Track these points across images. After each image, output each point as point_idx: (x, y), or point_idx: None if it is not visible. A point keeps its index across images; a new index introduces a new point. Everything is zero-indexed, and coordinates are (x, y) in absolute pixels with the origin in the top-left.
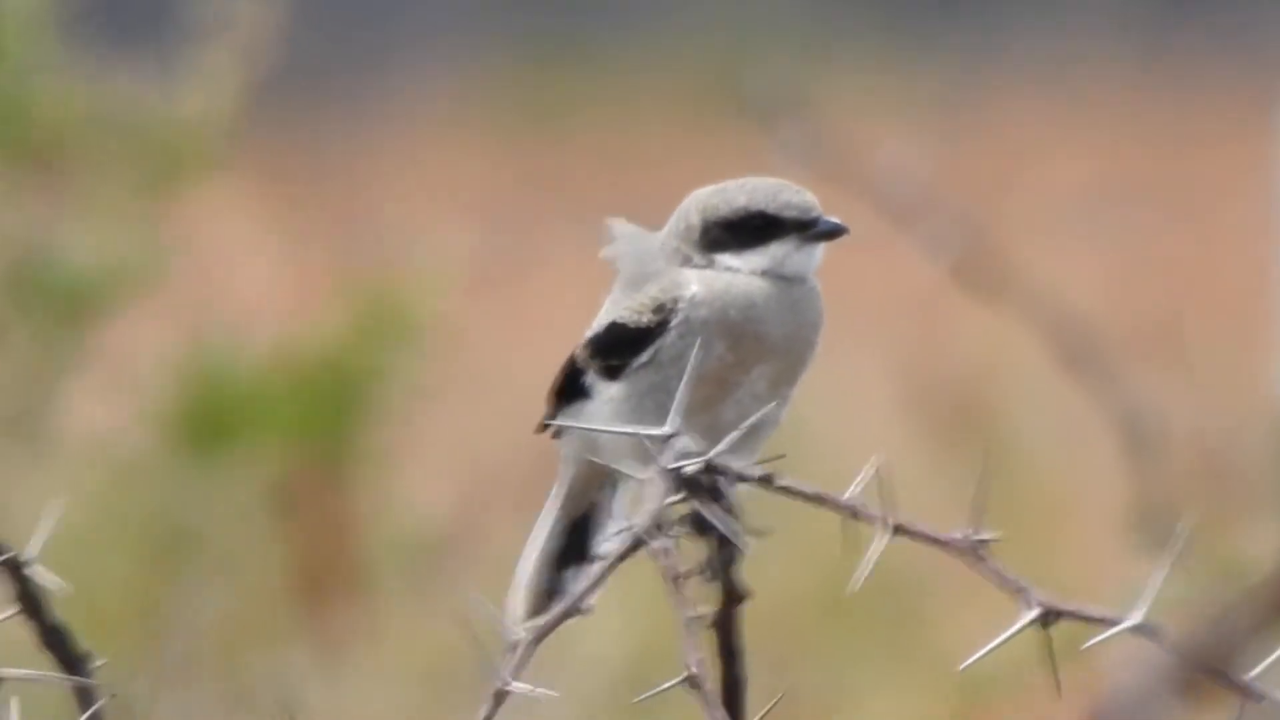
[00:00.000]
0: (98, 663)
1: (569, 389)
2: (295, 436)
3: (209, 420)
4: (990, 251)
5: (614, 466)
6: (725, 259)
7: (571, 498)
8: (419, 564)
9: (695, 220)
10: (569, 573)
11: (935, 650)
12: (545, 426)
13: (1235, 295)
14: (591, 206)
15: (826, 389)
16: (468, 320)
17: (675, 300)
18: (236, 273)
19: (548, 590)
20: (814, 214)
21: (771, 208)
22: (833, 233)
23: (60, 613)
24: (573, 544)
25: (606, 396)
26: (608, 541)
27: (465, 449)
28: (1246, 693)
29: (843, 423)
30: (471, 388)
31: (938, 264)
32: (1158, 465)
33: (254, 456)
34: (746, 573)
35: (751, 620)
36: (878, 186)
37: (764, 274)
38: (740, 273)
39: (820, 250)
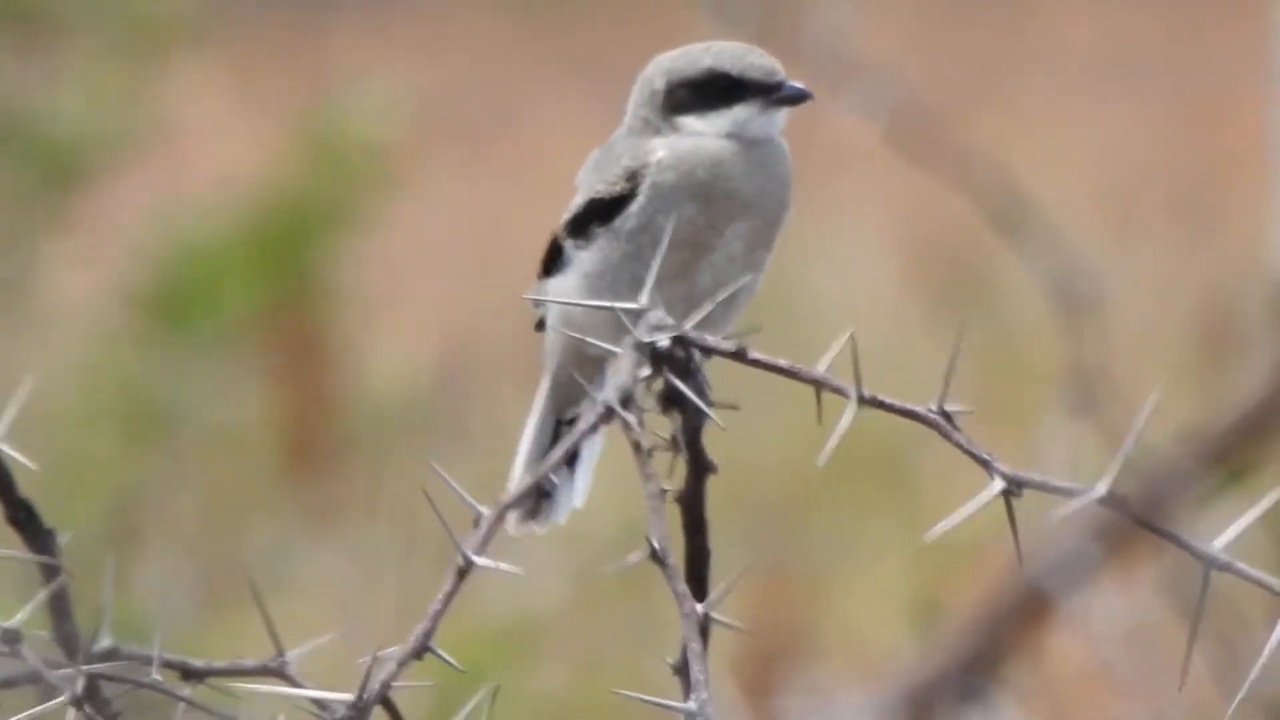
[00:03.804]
0: (63, 539)
1: (553, 267)
2: (259, 289)
3: (180, 290)
4: (923, 114)
5: (591, 340)
6: (688, 121)
7: (558, 390)
8: (401, 427)
9: (659, 84)
10: (562, 474)
11: (927, 519)
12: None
13: (1242, 163)
14: (599, 75)
15: (832, 261)
16: (465, 181)
17: (644, 166)
18: (217, 145)
19: (538, 493)
20: (778, 78)
21: (736, 70)
22: (796, 98)
23: (38, 485)
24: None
25: (582, 271)
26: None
27: (454, 310)
28: (1182, 546)
29: (849, 295)
30: (463, 249)
31: (869, 125)
32: (1088, 325)
33: (230, 322)
34: (744, 447)
35: (749, 494)
36: (811, 48)
37: (728, 136)
38: (705, 135)
39: (784, 115)
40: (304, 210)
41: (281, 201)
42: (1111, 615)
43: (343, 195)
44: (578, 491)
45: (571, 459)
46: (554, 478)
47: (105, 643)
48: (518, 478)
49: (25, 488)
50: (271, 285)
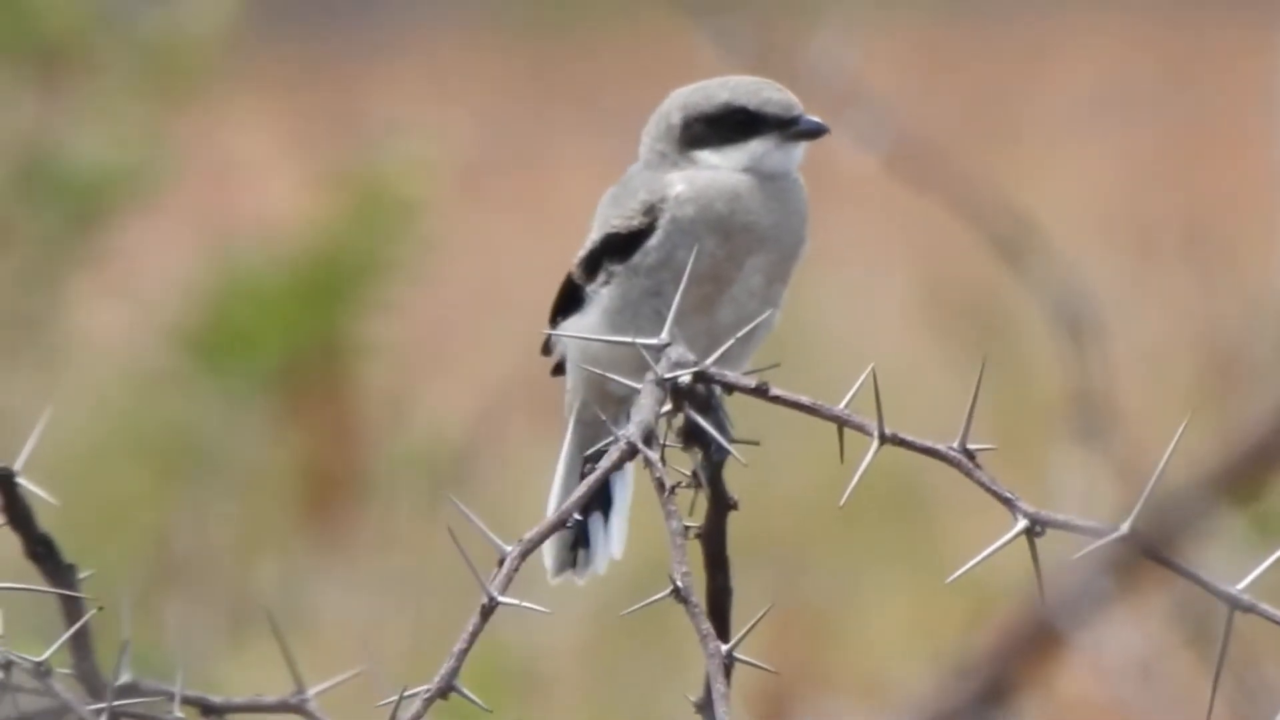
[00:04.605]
0: (83, 574)
1: (567, 307)
2: (297, 335)
3: (222, 329)
4: (923, 142)
5: (611, 377)
6: (705, 156)
7: (583, 430)
8: (433, 473)
9: (676, 119)
10: (592, 518)
11: (945, 559)
12: (549, 349)
13: (1247, 195)
14: (608, 113)
15: (850, 299)
16: (484, 226)
17: (662, 200)
18: (250, 183)
19: (571, 537)
20: (795, 112)
21: (753, 104)
22: (813, 132)
23: (59, 521)
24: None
25: (602, 307)
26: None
27: (482, 357)
28: (1205, 587)
29: (861, 328)
30: (489, 294)
31: (869, 155)
32: (1095, 354)
33: (261, 364)
34: (756, 483)
35: (762, 530)
36: (808, 77)
37: (745, 171)
38: (722, 169)
39: (801, 149)
40: (336, 262)
41: (314, 251)
42: (1123, 647)
43: (376, 249)
44: (615, 540)
45: (606, 507)
46: (578, 515)
47: (125, 678)
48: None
49: (57, 527)
50: (309, 331)
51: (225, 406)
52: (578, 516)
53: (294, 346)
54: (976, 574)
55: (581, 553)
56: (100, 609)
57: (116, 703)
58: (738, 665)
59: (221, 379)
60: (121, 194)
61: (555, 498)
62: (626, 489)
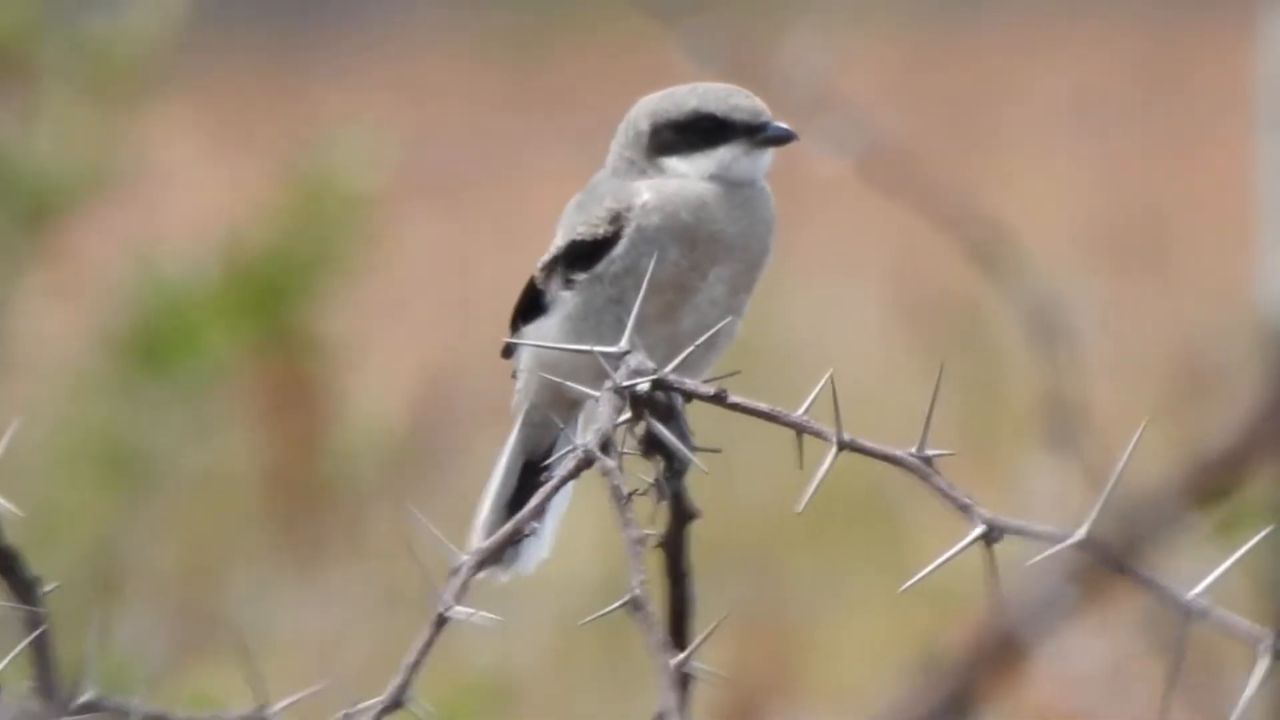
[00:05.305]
0: (48, 587)
1: (529, 312)
2: (244, 334)
3: (161, 333)
4: (894, 149)
5: (570, 384)
6: (673, 163)
7: (529, 432)
8: (377, 471)
9: (644, 125)
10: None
11: (912, 568)
12: (509, 353)
13: (1219, 204)
14: (582, 122)
15: (818, 302)
16: (455, 234)
17: (628, 209)
18: (204, 187)
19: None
20: (763, 119)
21: (721, 111)
22: (781, 138)
23: (14, 533)
24: (531, 487)
25: (564, 314)
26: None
27: (433, 355)
28: (1160, 593)
29: (834, 337)
30: (444, 293)
31: (840, 160)
32: (1066, 360)
33: (208, 368)
34: (724, 491)
35: (729, 539)
36: (781, 83)
37: (712, 178)
38: (689, 178)
39: (768, 156)
40: (284, 256)
41: (262, 247)
42: (1089, 656)
43: (324, 243)
44: (544, 542)
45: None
46: (535, 523)
47: (88, 694)
48: (484, 520)
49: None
50: (252, 330)
51: (168, 411)
52: (535, 525)
53: (239, 348)
54: (945, 582)
55: (509, 549)
56: (46, 627)
57: (72, 719)
58: (706, 675)
59: (161, 383)
60: (71, 197)
61: (491, 495)
62: (562, 492)
